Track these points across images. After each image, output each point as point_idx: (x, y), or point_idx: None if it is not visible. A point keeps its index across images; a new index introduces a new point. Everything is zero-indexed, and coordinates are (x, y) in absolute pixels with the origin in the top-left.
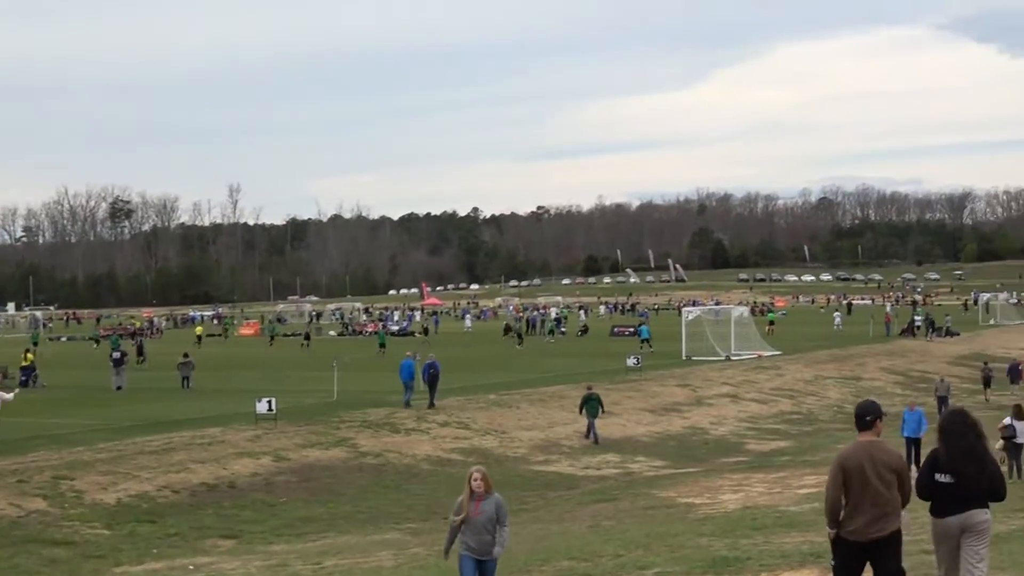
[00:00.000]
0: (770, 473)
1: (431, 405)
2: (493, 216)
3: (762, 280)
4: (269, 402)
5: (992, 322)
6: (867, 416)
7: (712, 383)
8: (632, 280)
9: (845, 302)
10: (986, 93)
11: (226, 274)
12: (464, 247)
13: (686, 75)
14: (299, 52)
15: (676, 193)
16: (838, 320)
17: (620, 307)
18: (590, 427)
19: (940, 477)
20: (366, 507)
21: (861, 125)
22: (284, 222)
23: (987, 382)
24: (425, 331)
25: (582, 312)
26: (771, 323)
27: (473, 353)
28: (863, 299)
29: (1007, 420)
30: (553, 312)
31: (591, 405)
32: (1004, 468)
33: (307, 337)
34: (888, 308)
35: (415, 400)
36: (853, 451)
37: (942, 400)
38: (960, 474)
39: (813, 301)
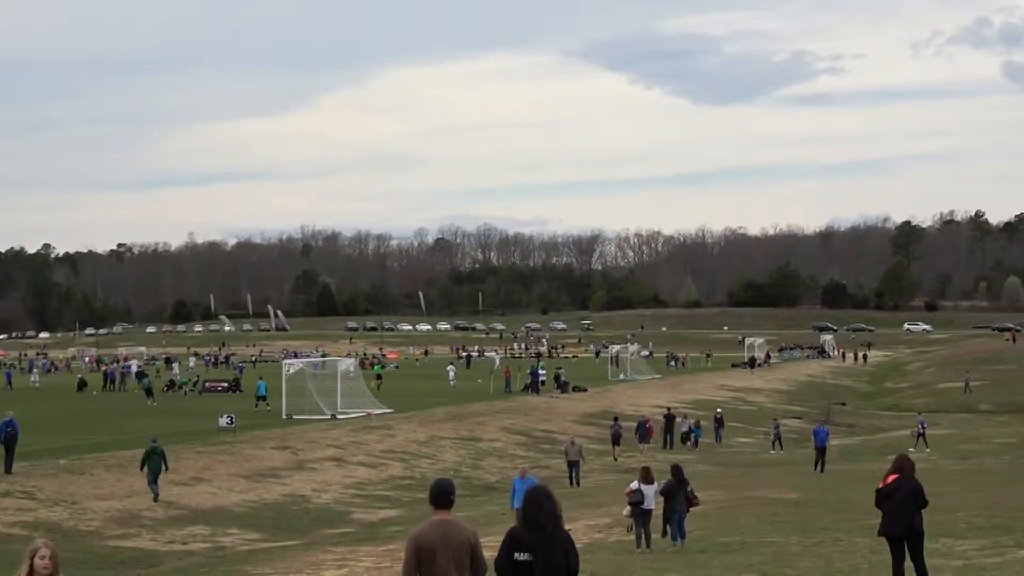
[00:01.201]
0: (378, 545)
1: (8, 471)
2: (67, 254)
3: (373, 329)
4: None
5: (622, 376)
6: (451, 495)
7: (315, 445)
8: (227, 328)
9: (464, 354)
10: (617, 126)
11: None
12: (32, 289)
13: (289, 99)
14: None
15: (278, 231)
16: (452, 375)
17: (215, 359)
18: (151, 485)
19: (519, 556)
20: None
21: (482, 160)
22: None
23: (616, 440)
24: None
25: (174, 365)
26: (378, 377)
27: (42, 411)
28: (488, 351)
29: (634, 484)
30: (134, 365)
31: (153, 460)
32: (631, 536)
33: None
34: (497, 362)
35: None
36: (428, 530)
37: (573, 465)
38: (538, 552)
39: (427, 353)
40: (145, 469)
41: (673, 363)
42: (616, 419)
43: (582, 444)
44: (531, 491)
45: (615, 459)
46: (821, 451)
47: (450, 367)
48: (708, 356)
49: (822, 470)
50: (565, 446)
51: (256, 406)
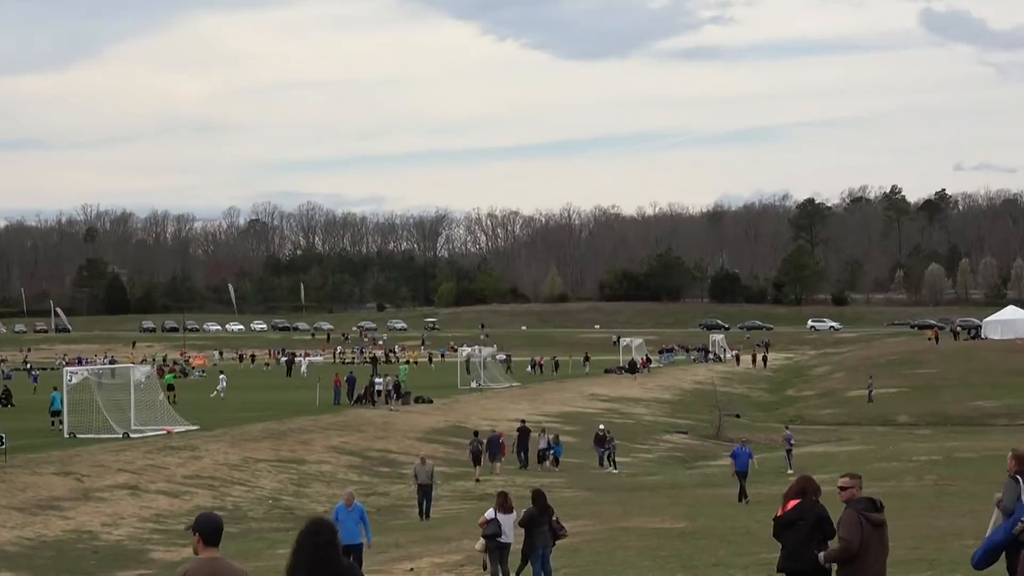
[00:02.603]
0: None
1: None
2: None
3: (174, 329)
4: None
5: (474, 384)
6: (221, 531)
7: (105, 470)
8: None
9: (284, 359)
10: (465, 86)
11: None
12: None
13: (68, 49)
14: None
15: (56, 212)
16: (222, 388)
17: None
18: None
19: None
20: None
21: (303, 126)
22: None
23: (476, 458)
24: None
25: None
26: (170, 388)
27: None
28: (313, 355)
29: (489, 513)
30: None
31: None
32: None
33: None
34: (304, 366)
35: None
36: (197, 570)
37: (425, 490)
38: None
39: (252, 358)
40: None
41: (532, 369)
42: (477, 433)
43: (432, 465)
44: (312, 523)
45: (477, 480)
46: (743, 476)
47: (222, 376)
48: (587, 360)
49: (747, 500)
50: (415, 467)
51: (52, 424)
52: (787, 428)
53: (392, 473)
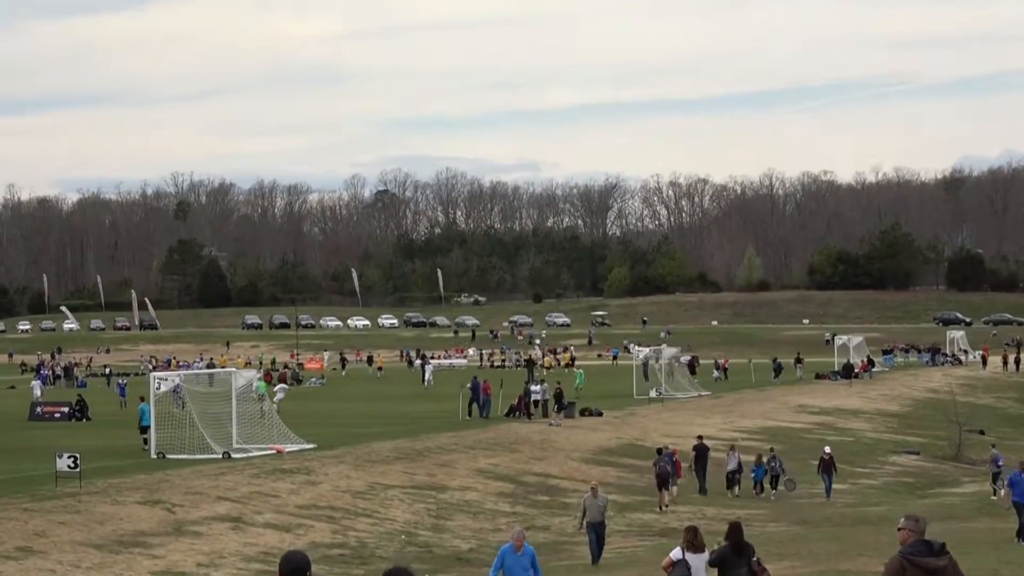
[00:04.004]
0: None
1: None
2: None
3: (284, 326)
4: None
5: (654, 393)
6: (306, 571)
7: (202, 498)
8: (68, 326)
9: (419, 362)
10: (644, 22)
11: None
12: None
13: None
14: None
15: (140, 183)
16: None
17: (52, 371)
18: None
19: None
20: None
21: (440, 74)
22: None
23: (664, 482)
24: None
25: None
26: (261, 398)
27: None
28: (454, 357)
29: (675, 553)
30: None
31: None
32: None
33: None
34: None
35: None
36: None
37: (595, 528)
38: None
39: (369, 360)
40: None
41: (717, 374)
42: (662, 451)
43: (607, 497)
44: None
45: (661, 507)
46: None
47: (280, 387)
48: (799, 361)
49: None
50: (584, 500)
51: (145, 443)
52: (993, 447)
53: (553, 503)
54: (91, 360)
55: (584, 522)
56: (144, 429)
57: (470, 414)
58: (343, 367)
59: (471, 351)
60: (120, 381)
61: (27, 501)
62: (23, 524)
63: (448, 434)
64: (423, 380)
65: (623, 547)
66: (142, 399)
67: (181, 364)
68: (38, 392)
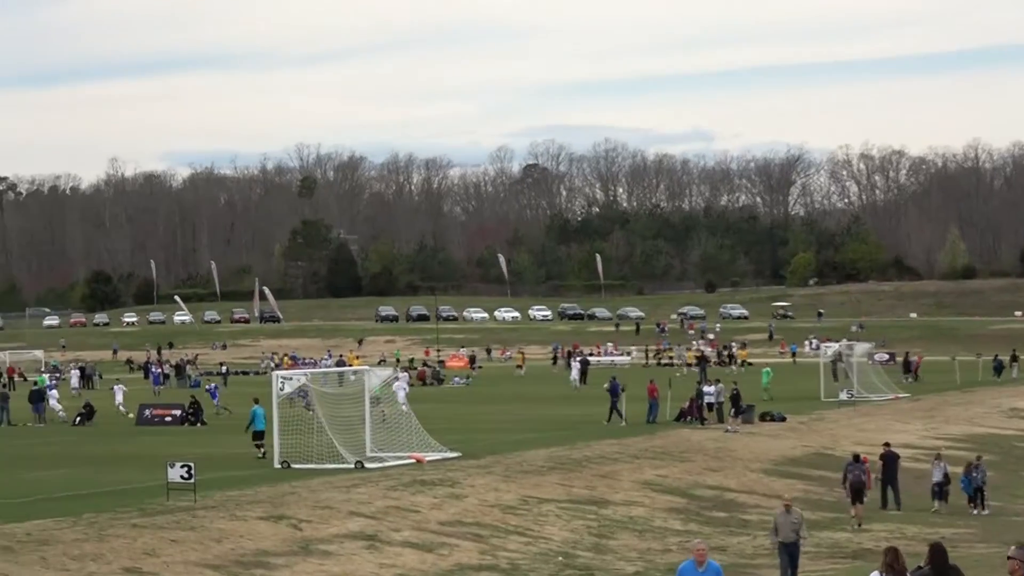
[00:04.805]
0: None
1: None
2: None
3: (423, 318)
4: None
5: (844, 395)
6: None
7: (332, 513)
8: (181, 318)
9: (578, 359)
10: None
11: None
12: None
13: None
14: None
15: (259, 156)
16: (402, 395)
17: (163, 369)
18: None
19: None
20: None
21: (601, 34)
22: None
23: (857, 494)
24: None
25: (93, 379)
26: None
27: None
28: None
29: None
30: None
31: None
32: None
33: None
34: (574, 373)
35: None
36: None
37: (789, 549)
38: None
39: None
40: None
41: (905, 375)
42: (857, 458)
43: (801, 514)
44: None
45: (858, 525)
46: None
47: (400, 380)
48: (1015, 359)
49: None
50: (775, 517)
51: (262, 453)
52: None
53: (730, 520)
54: (196, 357)
55: (776, 542)
56: (257, 435)
57: (609, 419)
58: (471, 364)
59: (632, 350)
60: (209, 386)
61: (136, 516)
62: (131, 542)
63: (609, 441)
64: (574, 379)
65: (813, 570)
66: (256, 401)
67: (306, 362)
68: (55, 403)
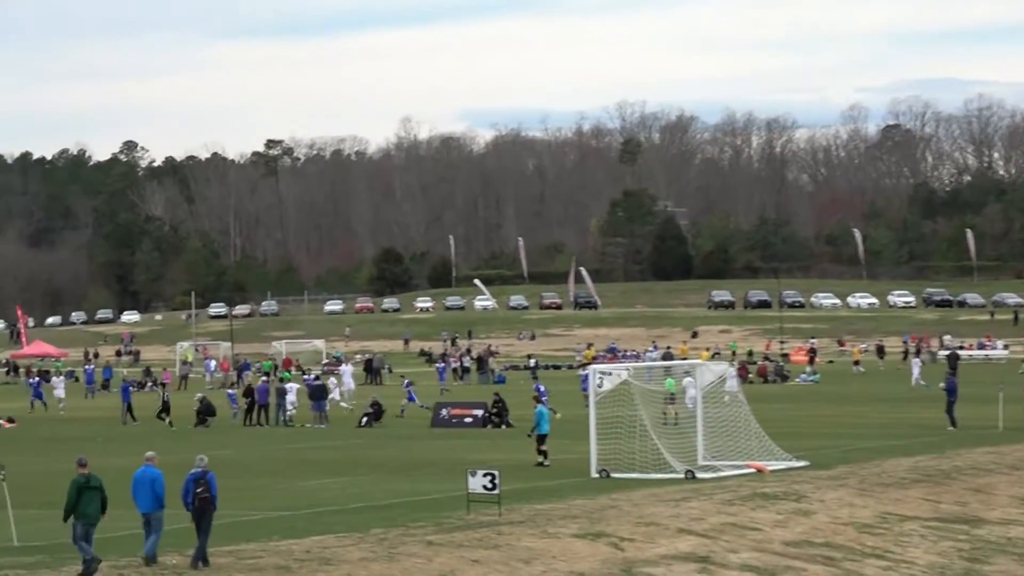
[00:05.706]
0: None
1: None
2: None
3: (765, 304)
4: None
5: None
6: None
7: (658, 530)
8: (482, 304)
9: (927, 350)
10: None
11: None
12: None
13: None
14: None
15: (575, 115)
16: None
17: (461, 361)
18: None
19: None
20: None
21: None
22: None
23: None
24: None
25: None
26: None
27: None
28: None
29: None
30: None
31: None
32: None
33: None
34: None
35: None
36: None
37: None
38: None
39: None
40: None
41: None
42: None
43: None
44: None
45: None
46: None
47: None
48: None
49: None
50: None
51: (543, 460)
52: None
53: None
54: (489, 348)
55: None
56: (541, 439)
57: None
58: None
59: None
60: (407, 383)
61: (432, 532)
62: (426, 562)
63: (983, 449)
64: (916, 378)
65: None
66: (537, 400)
67: (627, 354)
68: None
